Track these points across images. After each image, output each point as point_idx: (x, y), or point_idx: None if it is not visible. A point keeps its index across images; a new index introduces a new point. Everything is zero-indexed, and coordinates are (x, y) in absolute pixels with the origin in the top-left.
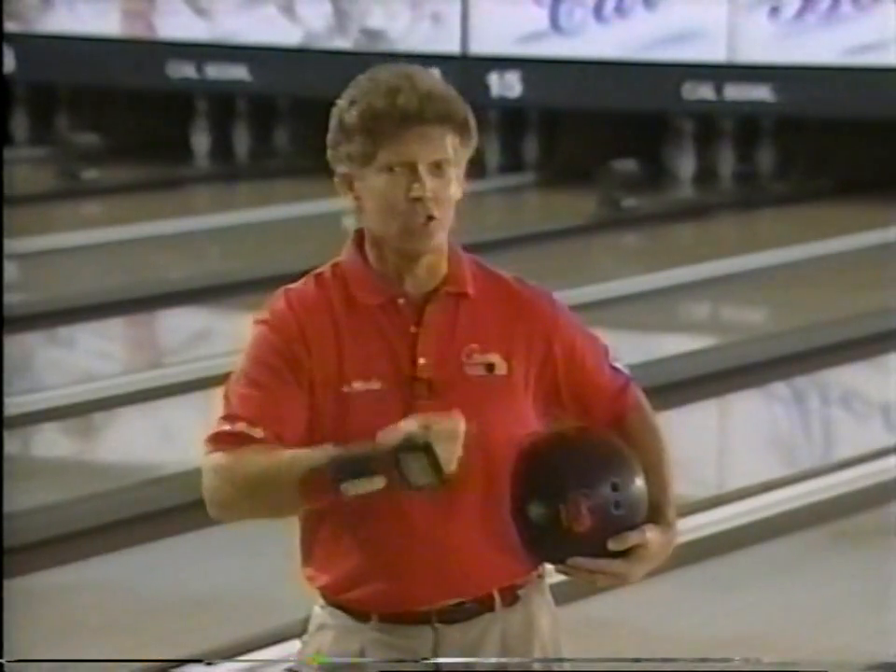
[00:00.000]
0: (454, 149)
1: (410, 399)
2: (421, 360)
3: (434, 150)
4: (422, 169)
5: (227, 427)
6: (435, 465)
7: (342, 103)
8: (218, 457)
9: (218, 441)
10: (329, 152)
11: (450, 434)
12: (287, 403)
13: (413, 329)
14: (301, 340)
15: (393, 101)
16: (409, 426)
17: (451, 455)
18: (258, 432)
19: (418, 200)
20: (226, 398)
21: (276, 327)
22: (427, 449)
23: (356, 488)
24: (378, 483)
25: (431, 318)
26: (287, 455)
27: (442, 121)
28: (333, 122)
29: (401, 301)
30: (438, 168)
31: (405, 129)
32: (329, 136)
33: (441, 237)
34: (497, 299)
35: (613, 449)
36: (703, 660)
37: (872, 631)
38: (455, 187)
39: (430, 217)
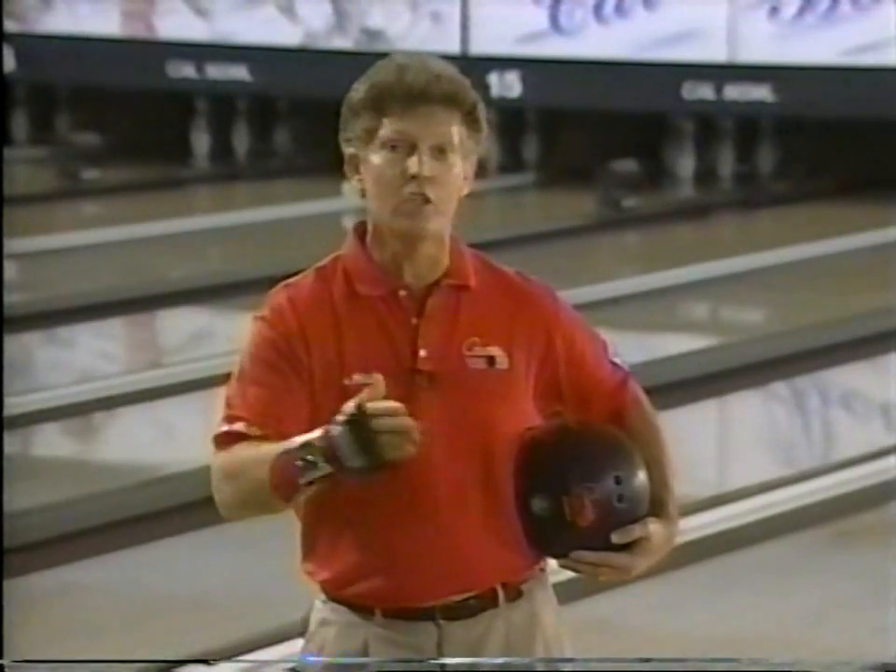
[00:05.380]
0: (460, 138)
1: (411, 391)
2: (422, 352)
3: (437, 132)
4: (423, 148)
5: (225, 428)
6: (365, 444)
7: (355, 84)
8: (217, 458)
9: (219, 442)
10: (340, 134)
11: (383, 413)
12: (286, 399)
13: (414, 320)
14: (299, 335)
15: (401, 77)
16: (348, 406)
17: (383, 436)
18: (254, 430)
19: (414, 178)
20: (227, 397)
21: (274, 323)
22: (355, 426)
23: (305, 476)
24: (324, 468)
25: (432, 310)
26: (266, 448)
27: (449, 105)
28: (344, 103)
29: (403, 292)
30: (441, 152)
31: (410, 106)
32: (341, 119)
33: (438, 223)
34: (499, 292)
35: (616, 442)
36: (713, 660)
37: (872, 631)
38: (459, 175)
39: (426, 199)
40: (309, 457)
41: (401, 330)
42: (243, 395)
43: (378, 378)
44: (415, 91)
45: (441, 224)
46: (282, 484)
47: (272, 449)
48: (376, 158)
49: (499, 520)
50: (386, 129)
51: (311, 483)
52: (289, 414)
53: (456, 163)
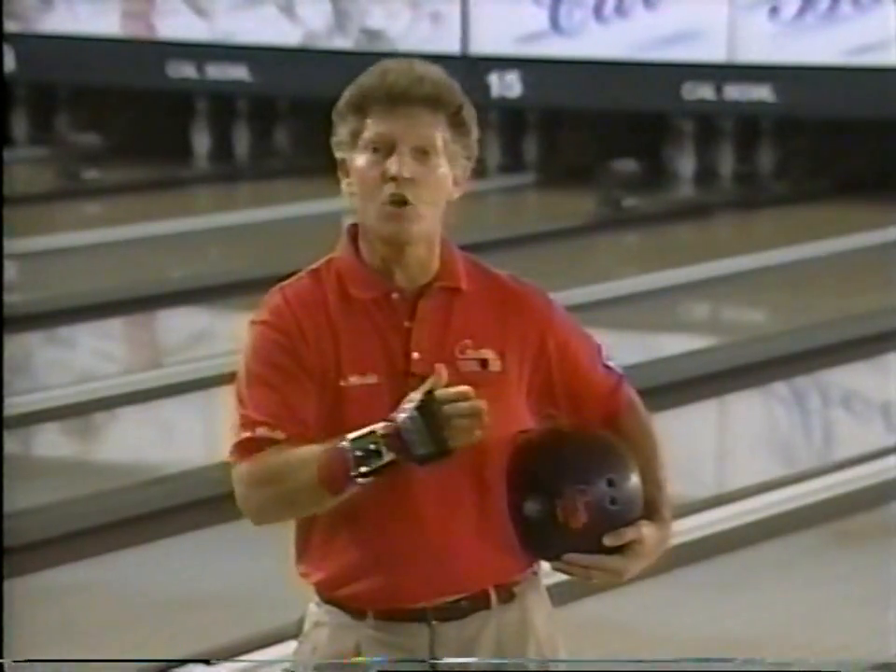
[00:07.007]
0: (444, 141)
1: (404, 394)
2: (415, 355)
3: (418, 134)
4: (403, 150)
5: (248, 434)
6: (435, 430)
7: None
8: (245, 466)
9: (242, 449)
10: (331, 140)
11: (455, 398)
12: (301, 400)
13: (406, 323)
14: (300, 335)
15: (383, 79)
16: (414, 394)
17: (455, 420)
18: (278, 434)
19: (394, 179)
20: (240, 402)
21: (276, 325)
22: (426, 412)
23: (367, 467)
24: (387, 457)
25: (425, 313)
26: (306, 449)
27: (432, 107)
28: (334, 108)
29: (395, 295)
30: (423, 154)
31: (391, 107)
32: (333, 124)
33: (421, 226)
34: (492, 295)
35: (609, 445)
36: (706, 660)
37: (872, 631)
38: (443, 178)
39: (405, 201)
40: (371, 446)
41: (394, 333)
42: (257, 399)
43: (440, 367)
44: (396, 92)
45: (424, 227)
46: (332, 478)
47: (313, 449)
48: (359, 160)
49: (492, 522)
50: (369, 130)
51: (365, 475)
52: (306, 414)
53: (440, 166)
